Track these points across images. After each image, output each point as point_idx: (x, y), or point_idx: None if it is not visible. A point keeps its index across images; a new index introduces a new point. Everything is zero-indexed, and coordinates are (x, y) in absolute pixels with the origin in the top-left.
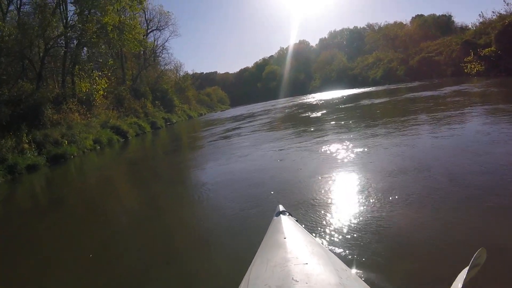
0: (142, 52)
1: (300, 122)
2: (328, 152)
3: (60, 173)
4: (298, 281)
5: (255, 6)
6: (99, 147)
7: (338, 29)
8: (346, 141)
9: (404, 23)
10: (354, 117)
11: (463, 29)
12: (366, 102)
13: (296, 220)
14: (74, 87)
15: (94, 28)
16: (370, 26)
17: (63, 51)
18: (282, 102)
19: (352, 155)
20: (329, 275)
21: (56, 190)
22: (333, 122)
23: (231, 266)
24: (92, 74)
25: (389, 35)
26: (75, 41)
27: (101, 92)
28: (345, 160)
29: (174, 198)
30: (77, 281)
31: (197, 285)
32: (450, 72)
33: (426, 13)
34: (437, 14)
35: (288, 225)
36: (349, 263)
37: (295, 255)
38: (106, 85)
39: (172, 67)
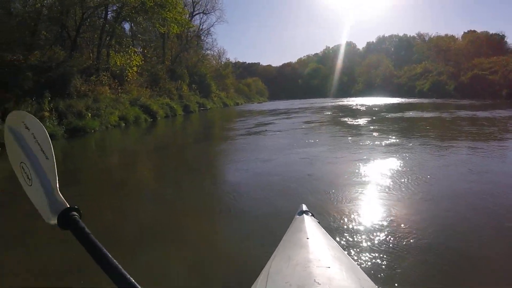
0: (185, 34)
1: (339, 129)
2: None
3: (74, 146)
4: (320, 284)
5: (305, 2)
6: (124, 124)
7: (387, 35)
8: (391, 161)
9: (456, 37)
10: (401, 131)
11: None
12: (412, 114)
13: (319, 222)
14: (108, 60)
15: (135, 3)
16: (420, 35)
17: (101, 23)
18: (321, 102)
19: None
20: (351, 283)
21: (67, 164)
22: (376, 134)
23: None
24: (128, 50)
25: (441, 46)
26: (113, 14)
27: (135, 69)
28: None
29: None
30: None
31: None
32: (505, 94)
33: (477, 30)
34: (490, 32)
35: (310, 226)
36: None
37: (317, 257)
38: (141, 62)
39: (215, 53)
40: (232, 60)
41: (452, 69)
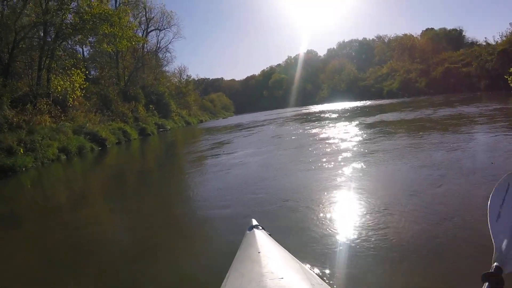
0: (140, 52)
1: (306, 143)
2: None
3: None
4: None
5: (265, 14)
6: (65, 156)
7: (346, 40)
8: None
9: (415, 35)
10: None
11: (474, 43)
12: (391, 117)
13: (270, 234)
14: (49, 85)
15: (75, 19)
16: (379, 37)
17: (40, 44)
18: (287, 112)
19: None
20: None
21: None
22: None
23: None
24: (70, 72)
25: (405, 45)
26: (52, 33)
27: (78, 92)
28: None
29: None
30: None
31: None
32: (483, 85)
33: (434, 28)
34: (448, 28)
35: (262, 239)
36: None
37: (270, 270)
38: (83, 83)
39: (175, 71)
40: (194, 76)
41: (420, 66)
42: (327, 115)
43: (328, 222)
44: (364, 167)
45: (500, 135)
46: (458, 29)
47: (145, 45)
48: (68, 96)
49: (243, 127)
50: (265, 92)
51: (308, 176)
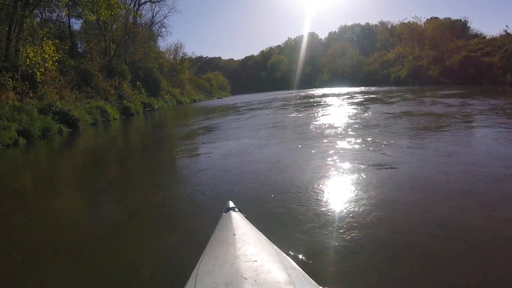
0: (130, 25)
1: (304, 137)
2: None
3: None
4: (247, 279)
5: None
6: (25, 140)
7: (349, 24)
8: None
9: (419, 24)
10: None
11: (478, 36)
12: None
13: (246, 217)
14: (17, 57)
15: None
16: (382, 23)
17: (5, 11)
18: (285, 94)
19: None
20: (278, 273)
21: None
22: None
23: None
24: (40, 43)
25: (416, 30)
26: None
27: (49, 64)
28: None
29: None
30: None
31: None
32: (510, 79)
33: (438, 17)
34: (452, 18)
35: (237, 222)
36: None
37: (244, 252)
38: (54, 54)
39: (170, 47)
40: (190, 54)
41: (432, 52)
42: (337, 100)
43: None
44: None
45: None
46: (463, 19)
47: (139, 19)
48: (35, 70)
49: (235, 110)
50: (263, 73)
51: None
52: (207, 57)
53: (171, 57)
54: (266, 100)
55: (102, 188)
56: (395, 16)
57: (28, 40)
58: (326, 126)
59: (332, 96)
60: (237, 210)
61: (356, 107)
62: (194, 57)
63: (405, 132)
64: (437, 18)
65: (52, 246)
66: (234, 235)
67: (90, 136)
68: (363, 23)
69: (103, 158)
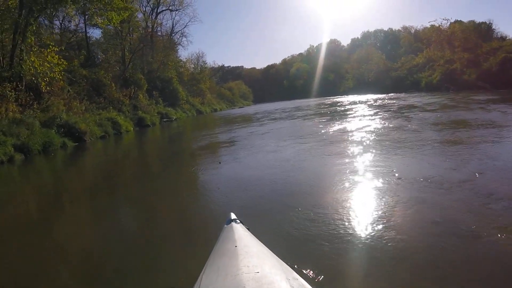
0: (146, 33)
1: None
2: None
3: None
4: None
5: (287, 1)
6: (22, 156)
7: (371, 30)
8: None
9: (442, 28)
10: None
11: (504, 38)
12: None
13: (248, 229)
14: (21, 66)
15: None
16: (405, 28)
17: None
18: (309, 102)
19: None
20: (281, 284)
21: None
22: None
23: None
24: (44, 52)
25: (446, 32)
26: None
27: (56, 74)
28: None
29: None
30: None
31: None
32: None
33: (462, 20)
34: (477, 21)
35: (239, 233)
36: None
37: (246, 264)
38: (60, 62)
39: (192, 56)
40: (211, 63)
41: (465, 54)
42: (370, 109)
43: None
44: None
45: None
46: (487, 22)
47: (159, 28)
48: (39, 79)
49: (256, 120)
50: (286, 81)
51: None
52: (229, 66)
53: (192, 66)
54: (290, 109)
55: (93, 218)
56: (417, 21)
57: (33, 49)
58: (368, 140)
59: (362, 104)
60: (239, 221)
61: (397, 116)
62: (216, 67)
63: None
64: (461, 21)
65: None
66: (236, 246)
67: (95, 151)
68: (385, 28)
69: (101, 178)
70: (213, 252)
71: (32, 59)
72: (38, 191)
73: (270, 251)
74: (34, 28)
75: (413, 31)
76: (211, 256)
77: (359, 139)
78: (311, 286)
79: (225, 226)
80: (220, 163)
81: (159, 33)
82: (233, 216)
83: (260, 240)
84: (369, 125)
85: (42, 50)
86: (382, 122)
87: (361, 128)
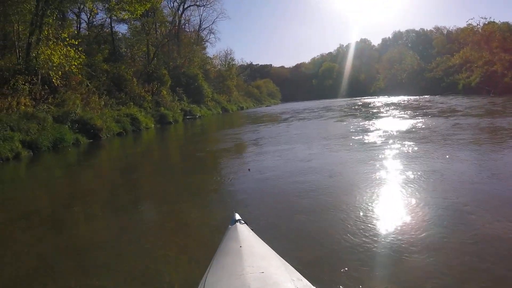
0: (172, 28)
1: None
2: None
3: None
4: None
5: (314, 1)
6: (30, 153)
7: (402, 30)
8: None
9: (475, 29)
10: None
11: None
12: None
13: (252, 229)
14: (36, 59)
15: None
16: (437, 29)
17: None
18: (339, 103)
19: None
20: (285, 285)
21: None
22: None
23: None
24: (58, 46)
25: (485, 31)
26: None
27: (72, 68)
28: None
29: None
30: None
31: None
32: None
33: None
34: (510, 22)
35: (244, 234)
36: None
37: (250, 264)
38: (77, 57)
39: (220, 53)
40: (239, 61)
41: (507, 56)
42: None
43: None
44: None
45: None
46: None
47: (187, 24)
48: (51, 73)
49: (285, 120)
50: (314, 81)
51: None
52: (258, 64)
53: (219, 63)
54: (319, 109)
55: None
56: (448, 21)
57: (50, 42)
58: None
59: (396, 106)
60: (243, 222)
61: (442, 123)
62: (244, 64)
63: None
64: (494, 22)
65: None
66: (240, 246)
67: (109, 149)
68: (417, 28)
69: (106, 180)
70: (218, 251)
71: (48, 52)
72: (34, 194)
73: (274, 252)
74: (50, 20)
75: (445, 31)
76: (216, 255)
77: (410, 150)
78: (315, 287)
79: (230, 226)
80: (249, 170)
81: (186, 29)
82: (237, 216)
83: (264, 241)
84: (418, 132)
85: (59, 43)
86: (412, 124)
87: (410, 136)
